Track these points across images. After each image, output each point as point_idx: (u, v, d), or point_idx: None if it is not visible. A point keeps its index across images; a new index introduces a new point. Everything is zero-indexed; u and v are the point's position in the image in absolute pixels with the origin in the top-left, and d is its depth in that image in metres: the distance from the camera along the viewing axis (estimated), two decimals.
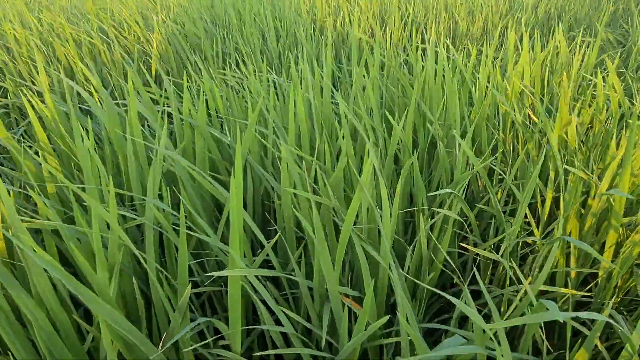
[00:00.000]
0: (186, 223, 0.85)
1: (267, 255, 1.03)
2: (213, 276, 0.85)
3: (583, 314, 0.56)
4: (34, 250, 0.68)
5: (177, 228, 0.81)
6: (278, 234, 0.75)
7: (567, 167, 0.87)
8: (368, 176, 0.69)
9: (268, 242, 0.77)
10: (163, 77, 1.10)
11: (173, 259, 0.83)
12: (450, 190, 0.79)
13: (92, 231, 0.61)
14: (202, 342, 0.62)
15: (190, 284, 0.64)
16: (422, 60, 1.95)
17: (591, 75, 1.61)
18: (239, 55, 2.36)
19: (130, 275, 0.74)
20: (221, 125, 1.38)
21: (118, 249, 0.64)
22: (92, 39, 2.26)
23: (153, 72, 2.35)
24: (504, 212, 1.23)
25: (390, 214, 0.82)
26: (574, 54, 1.71)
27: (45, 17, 2.37)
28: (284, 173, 0.77)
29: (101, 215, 0.61)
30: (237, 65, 2.31)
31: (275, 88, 1.91)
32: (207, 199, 0.94)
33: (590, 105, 1.20)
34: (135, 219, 0.77)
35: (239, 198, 0.69)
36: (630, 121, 1.01)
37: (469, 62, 1.85)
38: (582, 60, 1.84)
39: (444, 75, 1.40)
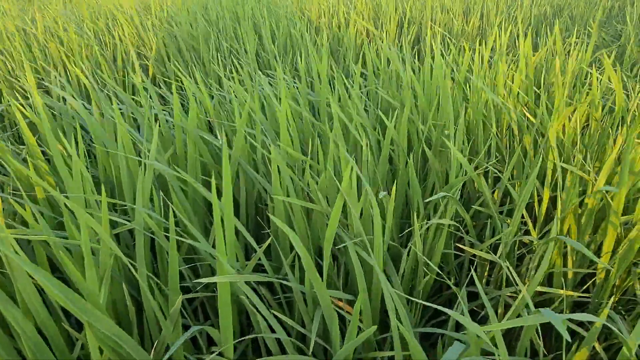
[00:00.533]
0: (178, 228, 0.84)
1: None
2: (204, 282, 0.84)
3: (580, 316, 0.55)
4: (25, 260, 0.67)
5: (168, 234, 0.80)
6: (270, 238, 0.74)
7: (564, 165, 0.86)
8: (352, 180, 0.68)
9: (260, 247, 0.76)
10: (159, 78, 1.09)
11: (165, 263, 0.82)
12: (445, 194, 0.78)
13: (81, 241, 0.60)
14: (198, 357, 0.61)
15: (182, 293, 0.63)
16: (417, 59, 1.94)
17: (586, 74, 1.61)
18: (235, 55, 2.35)
19: (121, 281, 0.73)
20: (212, 127, 1.37)
21: (109, 256, 0.62)
22: (87, 39, 2.24)
23: (150, 74, 2.34)
24: (501, 213, 1.22)
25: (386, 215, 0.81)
26: (568, 52, 1.70)
27: (39, 20, 2.36)
28: (275, 175, 0.76)
29: (90, 225, 0.59)
30: (233, 66, 2.30)
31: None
32: (199, 202, 0.93)
33: (588, 105, 1.19)
34: (125, 224, 0.76)
35: (228, 202, 0.68)
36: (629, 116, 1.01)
37: (462, 60, 1.84)
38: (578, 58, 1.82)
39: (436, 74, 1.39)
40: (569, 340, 0.47)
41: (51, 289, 0.49)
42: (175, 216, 0.91)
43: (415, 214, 0.80)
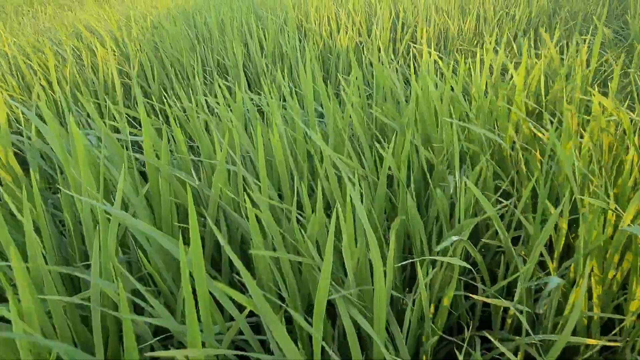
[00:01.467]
0: (148, 288, 0.73)
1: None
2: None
3: None
4: None
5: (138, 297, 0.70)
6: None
7: (586, 199, 0.76)
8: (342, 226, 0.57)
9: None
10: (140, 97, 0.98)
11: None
12: (458, 238, 0.68)
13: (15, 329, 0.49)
14: None
15: None
16: (414, 71, 1.84)
17: (592, 83, 1.50)
18: (220, 69, 2.25)
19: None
20: (195, 161, 1.26)
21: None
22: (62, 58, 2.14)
23: (133, 95, 2.23)
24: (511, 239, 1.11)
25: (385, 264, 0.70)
26: (567, 57, 1.59)
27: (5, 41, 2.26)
28: (253, 225, 0.65)
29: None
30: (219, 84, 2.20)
31: (261, 110, 1.79)
32: (173, 254, 0.82)
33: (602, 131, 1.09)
34: (69, 297, 0.65)
35: (198, 260, 0.58)
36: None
37: (459, 69, 1.73)
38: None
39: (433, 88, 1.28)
40: None
41: None
42: (142, 277, 0.80)
43: (418, 263, 0.69)
